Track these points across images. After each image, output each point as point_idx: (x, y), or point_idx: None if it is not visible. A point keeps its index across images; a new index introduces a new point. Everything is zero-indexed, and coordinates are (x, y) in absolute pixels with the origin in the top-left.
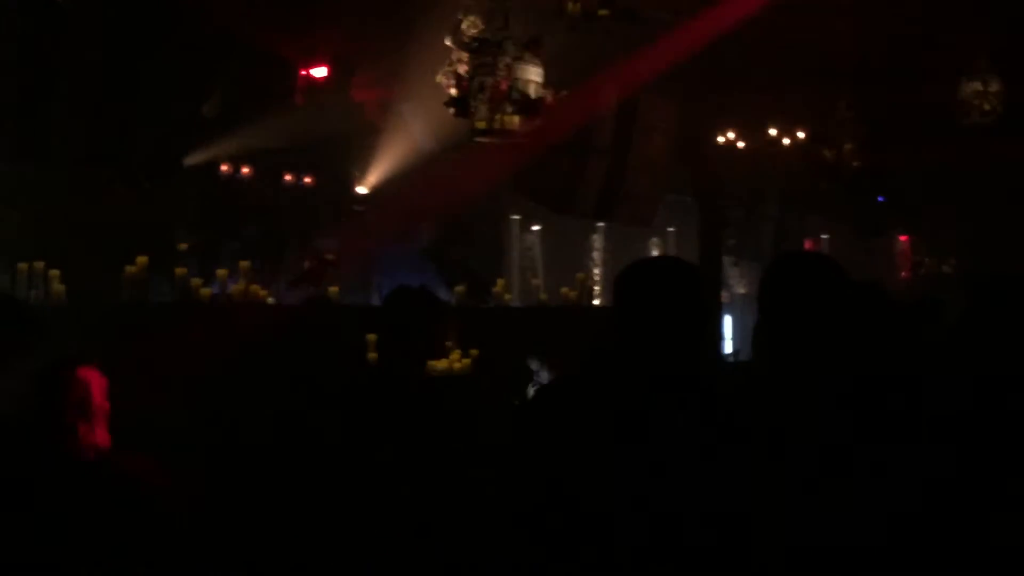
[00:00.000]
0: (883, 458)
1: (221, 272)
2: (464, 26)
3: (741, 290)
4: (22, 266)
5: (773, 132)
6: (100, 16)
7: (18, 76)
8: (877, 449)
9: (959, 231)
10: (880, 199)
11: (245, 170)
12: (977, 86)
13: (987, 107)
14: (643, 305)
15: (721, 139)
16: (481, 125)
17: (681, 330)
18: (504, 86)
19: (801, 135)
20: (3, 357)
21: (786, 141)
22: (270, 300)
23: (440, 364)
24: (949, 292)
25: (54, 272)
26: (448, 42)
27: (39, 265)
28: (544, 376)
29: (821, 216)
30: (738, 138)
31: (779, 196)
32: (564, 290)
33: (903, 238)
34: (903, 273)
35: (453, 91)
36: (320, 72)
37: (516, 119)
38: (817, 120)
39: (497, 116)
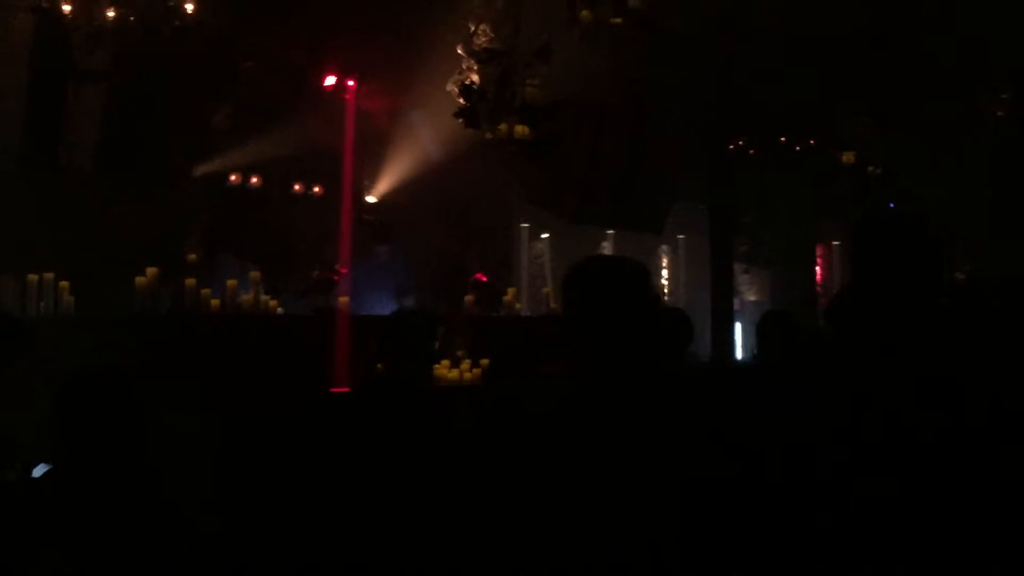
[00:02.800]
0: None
1: (231, 283)
2: (475, 35)
3: (751, 297)
4: (32, 278)
5: (784, 139)
6: (110, 27)
7: (29, 87)
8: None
9: (972, 238)
10: (891, 205)
11: (255, 180)
12: (991, 94)
13: (1000, 114)
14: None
15: (731, 146)
16: (491, 135)
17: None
18: (514, 95)
19: (812, 142)
20: None
21: (797, 148)
22: (280, 310)
23: (451, 374)
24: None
25: (64, 284)
26: (460, 51)
27: (49, 276)
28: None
29: (832, 222)
30: (748, 144)
31: (790, 202)
32: None
33: None
34: None
35: (462, 101)
36: (330, 81)
37: (526, 128)
38: (833, 126)
39: (505, 125)
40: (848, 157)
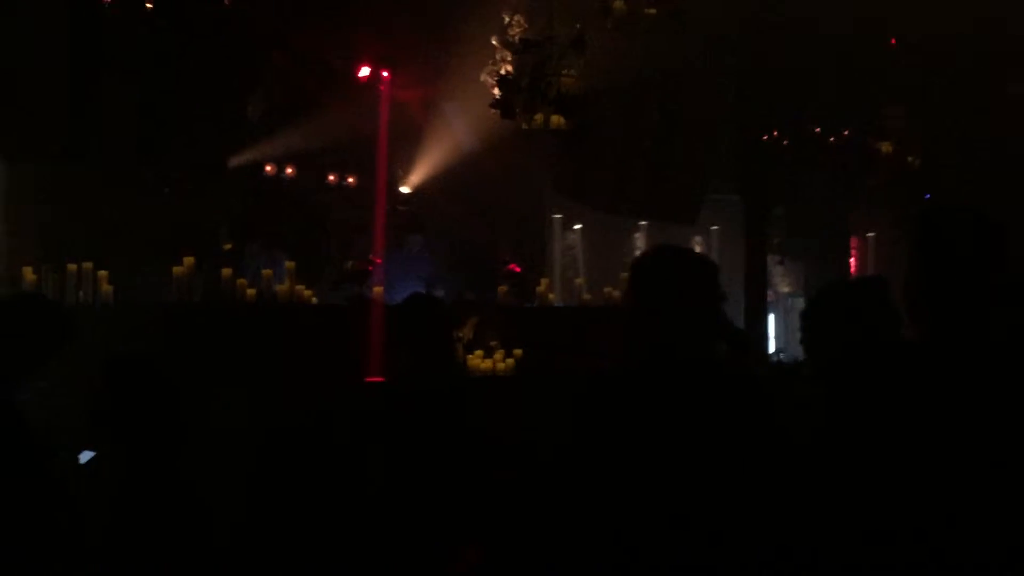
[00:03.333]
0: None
1: (266, 272)
2: (509, 26)
3: (785, 288)
4: (71, 267)
5: (818, 129)
6: (146, 16)
7: (64, 76)
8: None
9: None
10: (927, 196)
11: (289, 170)
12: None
13: None
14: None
15: (765, 136)
16: (526, 126)
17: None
18: (549, 86)
19: (846, 132)
20: (36, 358)
21: (831, 138)
22: (314, 300)
23: (484, 364)
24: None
25: (102, 273)
26: (495, 42)
27: (88, 266)
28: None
29: (867, 214)
30: (782, 135)
31: (824, 193)
32: (607, 289)
33: None
34: None
35: (496, 91)
36: (364, 72)
37: (562, 119)
38: (869, 116)
39: (539, 116)
40: (887, 147)
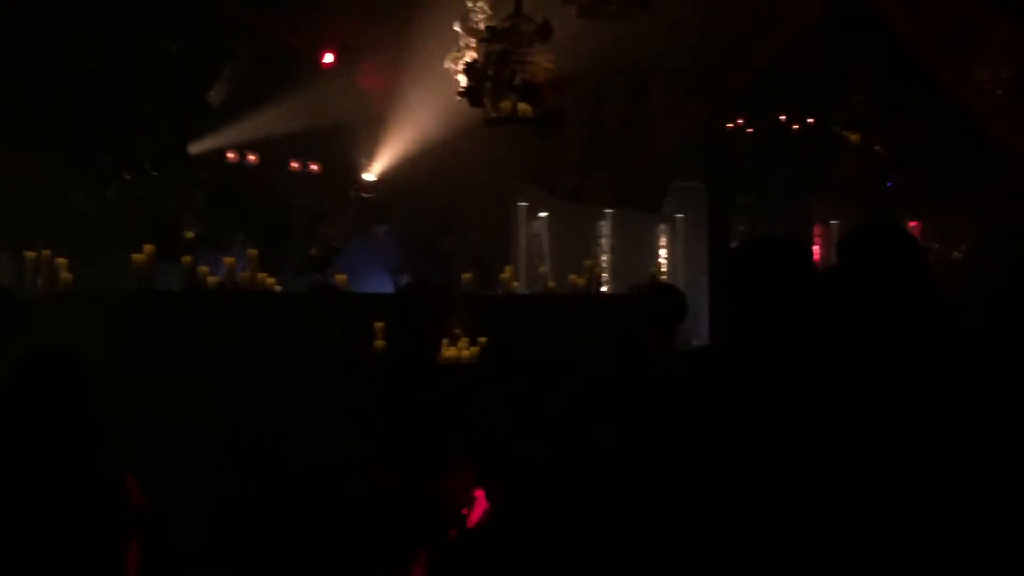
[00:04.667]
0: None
1: (228, 260)
2: (473, 12)
3: None
4: (29, 254)
5: (783, 118)
6: (105, 3)
7: (22, 64)
8: None
9: (969, 217)
10: (889, 184)
11: (252, 158)
12: (989, 71)
13: (999, 92)
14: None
15: (730, 125)
16: (493, 114)
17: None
18: (514, 74)
19: (811, 120)
20: None
21: (795, 127)
22: (277, 288)
23: (448, 352)
24: (959, 279)
25: (61, 260)
26: (457, 28)
27: (46, 253)
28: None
29: (830, 202)
30: (747, 123)
31: (789, 182)
32: (572, 277)
33: (913, 224)
34: None
35: (463, 79)
36: (328, 59)
37: (528, 107)
38: (835, 104)
39: (507, 104)
40: (854, 137)
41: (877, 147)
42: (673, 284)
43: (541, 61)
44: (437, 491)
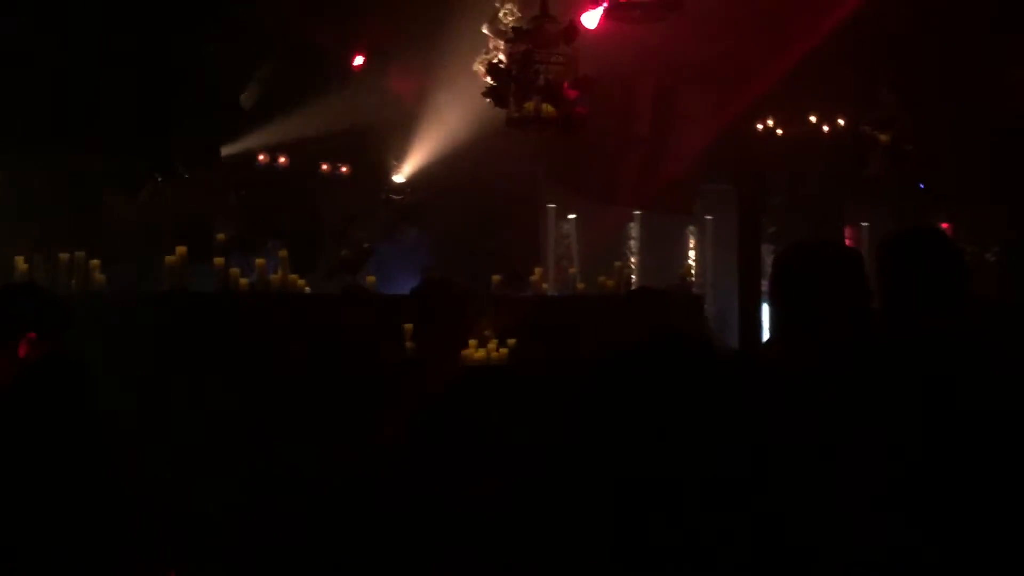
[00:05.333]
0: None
1: (259, 261)
2: (501, 14)
3: None
4: (63, 256)
5: (813, 119)
6: (137, 6)
7: (56, 67)
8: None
9: (1003, 218)
10: (920, 185)
11: (282, 160)
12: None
13: None
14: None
15: (760, 126)
16: (516, 114)
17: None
18: (541, 75)
19: (841, 121)
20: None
21: (826, 128)
22: (307, 289)
23: (478, 354)
24: (992, 281)
25: (94, 262)
26: (485, 30)
27: (80, 255)
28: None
29: (860, 203)
30: (777, 124)
31: (819, 183)
32: (601, 279)
33: (945, 225)
34: None
35: (490, 80)
36: (357, 61)
37: (551, 108)
38: (865, 105)
39: (531, 104)
40: (884, 138)
41: (908, 147)
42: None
43: (565, 62)
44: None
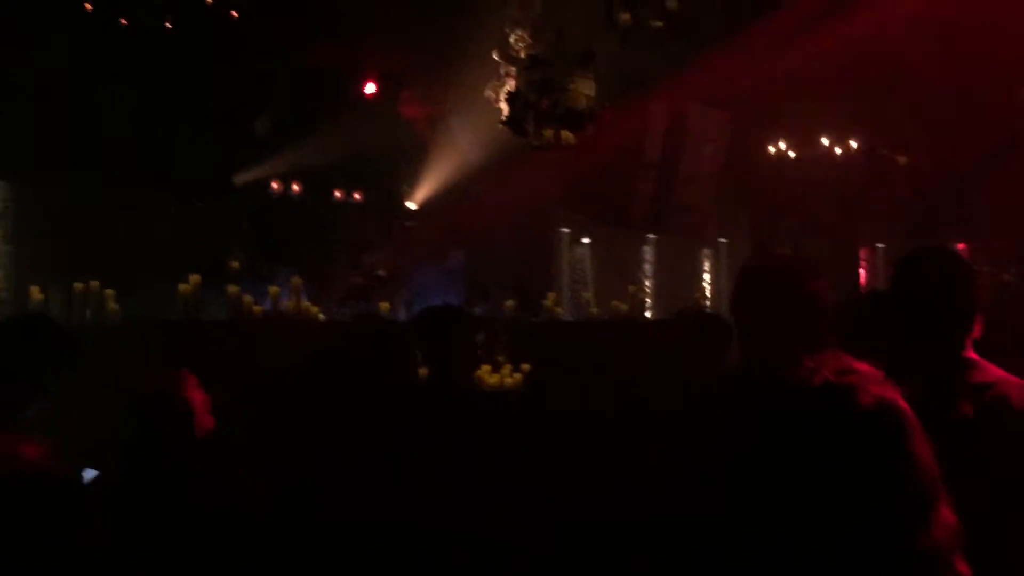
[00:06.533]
0: None
1: (273, 289)
2: (512, 40)
3: None
4: (78, 286)
5: (826, 141)
6: (152, 36)
7: (70, 97)
8: None
9: (1018, 238)
10: (935, 206)
11: (295, 187)
12: None
13: None
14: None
15: (772, 149)
16: (536, 142)
17: None
18: (557, 102)
19: (854, 144)
20: (40, 381)
21: (838, 150)
22: (321, 316)
23: (492, 379)
24: (1009, 300)
25: (109, 292)
26: (496, 57)
27: (95, 284)
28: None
29: (875, 224)
30: (789, 148)
31: (833, 205)
32: (615, 303)
33: (961, 246)
34: None
35: (504, 107)
36: (370, 89)
37: (570, 134)
38: (881, 127)
39: (549, 131)
40: (901, 159)
41: (925, 169)
42: (715, 313)
43: (583, 88)
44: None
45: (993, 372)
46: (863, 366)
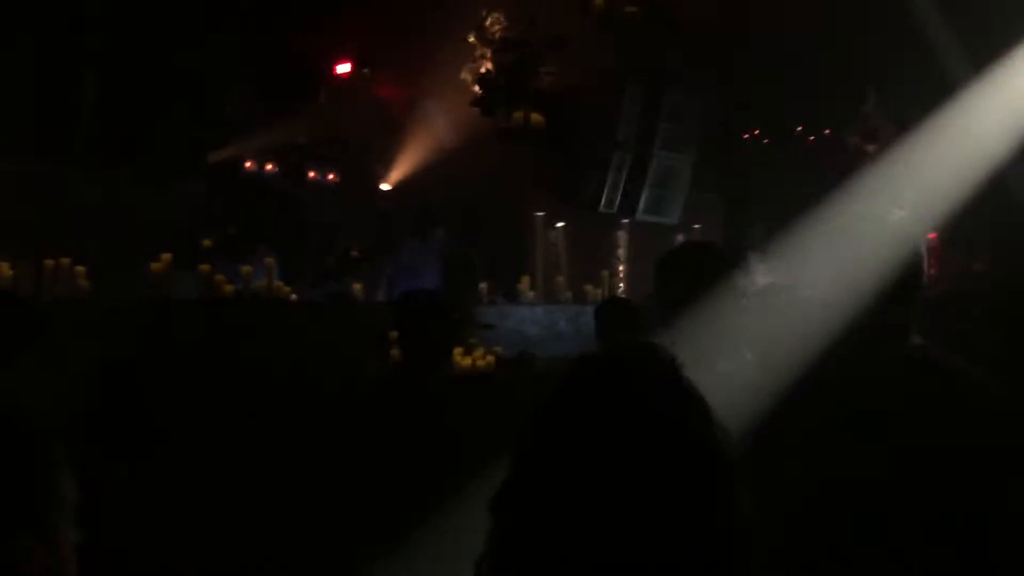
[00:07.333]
0: None
1: (245, 269)
2: (488, 23)
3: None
4: (48, 262)
5: (799, 128)
6: (124, 14)
7: (41, 74)
8: None
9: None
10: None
11: (269, 167)
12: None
13: None
14: None
15: (746, 135)
16: (507, 123)
17: None
18: (528, 84)
19: (827, 131)
20: (7, 353)
21: (811, 138)
22: (294, 297)
23: (464, 361)
24: (979, 290)
25: (80, 268)
26: (472, 39)
27: (65, 261)
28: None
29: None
30: (763, 133)
31: (805, 192)
32: (588, 287)
33: (932, 235)
34: (931, 270)
35: (477, 89)
36: (344, 69)
37: (540, 117)
38: (852, 115)
39: (520, 114)
40: (871, 148)
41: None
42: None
43: (554, 71)
44: None
45: None
46: None
